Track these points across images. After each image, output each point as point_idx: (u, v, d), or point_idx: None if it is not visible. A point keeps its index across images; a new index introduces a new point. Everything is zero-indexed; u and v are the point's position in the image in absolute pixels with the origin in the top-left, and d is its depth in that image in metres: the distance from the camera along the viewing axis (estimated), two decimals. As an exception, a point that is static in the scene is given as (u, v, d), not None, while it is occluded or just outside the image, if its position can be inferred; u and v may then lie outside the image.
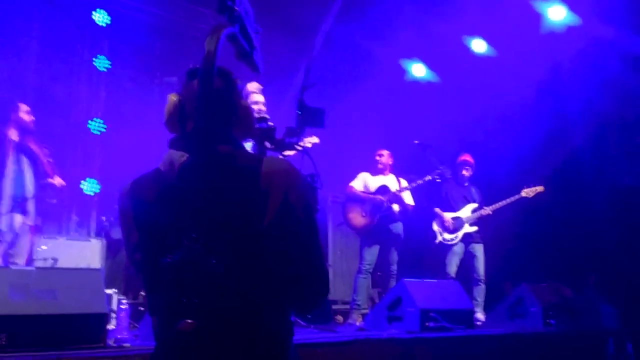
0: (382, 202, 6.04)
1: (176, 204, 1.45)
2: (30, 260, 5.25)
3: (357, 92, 9.08)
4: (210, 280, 1.40)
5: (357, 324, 5.52)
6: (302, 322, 4.99)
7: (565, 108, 7.72)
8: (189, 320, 1.38)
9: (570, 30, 7.28)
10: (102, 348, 2.93)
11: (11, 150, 4.84)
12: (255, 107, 5.07)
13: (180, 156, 1.49)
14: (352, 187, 6.25)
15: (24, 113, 4.99)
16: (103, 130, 7.57)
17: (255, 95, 5.14)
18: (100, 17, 7.60)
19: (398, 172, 6.51)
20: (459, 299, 5.05)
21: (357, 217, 6.14)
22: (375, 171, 6.36)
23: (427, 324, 4.51)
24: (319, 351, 3.42)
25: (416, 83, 8.70)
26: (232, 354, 1.41)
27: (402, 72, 8.75)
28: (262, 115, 5.04)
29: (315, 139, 5.34)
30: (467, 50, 8.04)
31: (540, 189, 6.48)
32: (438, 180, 6.14)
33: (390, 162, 6.35)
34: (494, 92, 7.73)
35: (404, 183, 6.24)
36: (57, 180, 5.17)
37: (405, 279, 4.82)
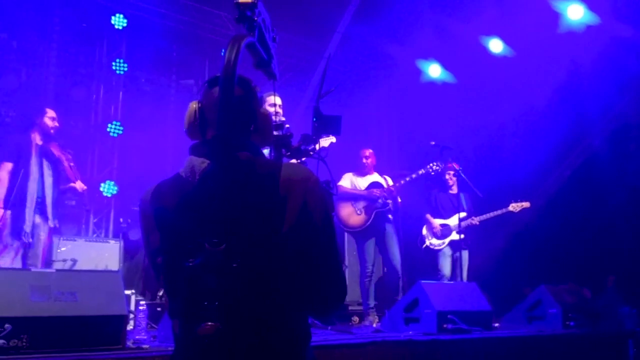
0: (377, 197, 5.96)
1: (198, 209, 1.48)
2: (49, 262, 5.33)
3: (373, 93, 9.08)
4: (231, 284, 1.43)
5: (374, 325, 5.50)
6: (319, 324, 4.99)
7: (584, 108, 7.64)
8: (210, 323, 1.40)
9: (589, 29, 7.20)
10: (121, 350, 2.95)
11: (34, 154, 4.92)
12: (271, 109, 5.09)
13: (201, 162, 1.52)
14: (340, 186, 6.14)
15: (48, 118, 5.08)
16: (120, 132, 7.66)
17: (272, 98, 5.17)
18: (118, 21, 7.68)
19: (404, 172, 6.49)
20: (477, 301, 5.00)
21: (352, 216, 6.00)
22: (361, 172, 6.26)
23: (444, 325, 4.48)
24: (337, 353, 3.42)
25: (432, 84, 8.66)
26: (251, 356, 1.43)
27: (418, 72, 8.72)
28: (279, 118, 5.10)
29: (332, 139, 5.34)
30: (484, 50, 7.99)
31: (526, 204, 6.55)
32: (432, 173, 6.06)
33: (374, 162, 6.30)
34: (511, 93, 7.67)
35: (389, 180, 6.21)
36: (79, 185, 5.26)
37: (422, 281, 4.79)
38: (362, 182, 6.19)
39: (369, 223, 5.94)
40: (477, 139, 8.16)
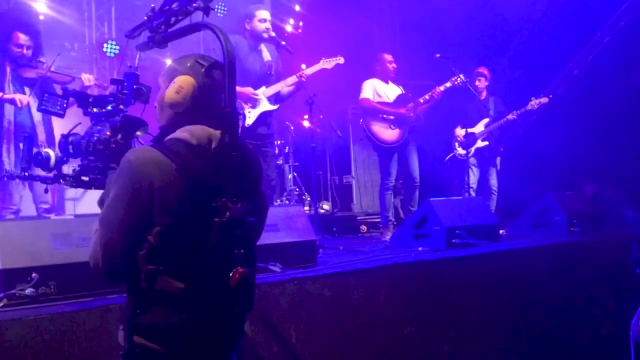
0: (409, 115, 5.92)
1: (217, 173, 1.71)
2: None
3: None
4: (250, 235, 1.77)
5: (387, 239, 5.64)
6: (330, 242, 5.14)
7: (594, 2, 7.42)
8: (241, 268, 1.65)
9: None
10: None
11: (8, 85, 4.66)
12: (262, 25, 4.94)
13: (216, 134, 1.78)
14: (367, 99, 6.02)
15: (14, 45, 4.67)
16: (117, 52, 7.43)
17: (262, 12, 4.99)
18: None
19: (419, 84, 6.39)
20: (484, 214, 5.12)
21: (386, 131, 5.94)
22: (384, 78, 6.14)
23: (453, 240, 4.61)
24: (351, 279, 3.55)
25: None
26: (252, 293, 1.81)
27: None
28: (269, 33, 4.95)
29: (340, 60, 5.22)
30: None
31: (544, 100, 6.51)
32: (457, 83, 5.97)
33: (396, 68, 6.18)
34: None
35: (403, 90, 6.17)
36: (84, 78, 4.84)
37: (431, 199, 4.86)
38: (387, 91, 6.09)
39: (404, 138, 5.92)
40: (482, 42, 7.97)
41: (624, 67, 7.33)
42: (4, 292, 2.72)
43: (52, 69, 4.77)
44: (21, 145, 4.63)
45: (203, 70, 1.85)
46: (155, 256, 1.69)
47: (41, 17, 6.89)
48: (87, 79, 4.81)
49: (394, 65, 6.12)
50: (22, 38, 4.72)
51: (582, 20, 7.60)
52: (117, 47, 7.44)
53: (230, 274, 1.64)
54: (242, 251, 1.66)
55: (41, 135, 4.77)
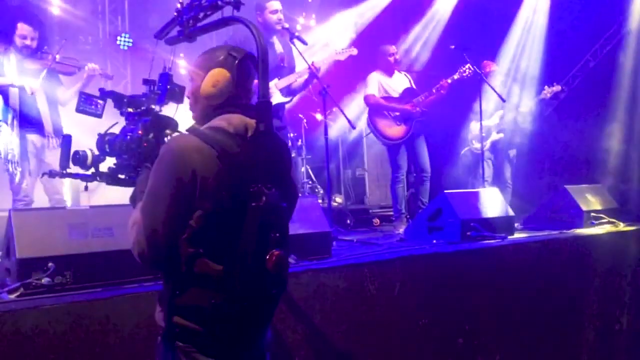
0: (415, 108, 5.88)
1: (254, 160, 1.78)
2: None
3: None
4: (284, 219, 1.85)
5: (400, 231, 5.60)
6: (344, 234, 5.13)
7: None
8: (277, 251, 1.72)
9: None
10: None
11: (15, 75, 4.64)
12: (274, 16, 4.91)
13: (252, 123, 1.83)
14: (372, 95, 5.95)
15: (18, 37, 4.68)
16: (130, 44, 7.46)
17: (273, 3, 4.96)
18: None
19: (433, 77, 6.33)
20: (499, 207, 5.07)
21: (392, 127, 5.90)
22: (388, 70, 6.07)
23: (467, 233, 4.57)
24: (366, 270, 3.54)
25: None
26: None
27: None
28: (282, 25, 4.92)
29: (353, 51, 5.19)
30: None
31: (556, 88, 6.48)
32: (466, 75, 5.89)
33: (400, 59, 6.16)
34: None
35: (411, 79, 6.12)
36: (88, 68, 4.77)
37: (446, 191, 4.82)
38: (392, 84, 6.04)
39: (410, 134, 5.88)
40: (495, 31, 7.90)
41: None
42: (20, 281, 2.74)
43: (57, 59, 4.75)
44: (56, 140, 4.73)
45: (237, 62, 1.90)
46: (196, 239, 1.73)
47: (55, 11, 6.91)
48: (92, 68, 4.78)
49: (395, 57, 6.05)
50: (26, 29, 4.71)
51: (599, 11, 7.51)
52: (130, 40, 7.47)
53: (267, 257, 1.72)
54: (277, 234, 1.74)
55: (47, 127, 4.75)
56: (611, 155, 6.97)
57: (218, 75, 1.88)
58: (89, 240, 2.96)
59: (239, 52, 1.93)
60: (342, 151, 8.37)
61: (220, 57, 1.91)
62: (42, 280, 2.78)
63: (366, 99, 6.01)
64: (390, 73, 6.07)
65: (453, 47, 5.97)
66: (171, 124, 2.10)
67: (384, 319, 3.55)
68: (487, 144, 6.59)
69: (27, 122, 4.67)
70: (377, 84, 6.01)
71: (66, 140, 2.29)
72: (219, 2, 1.92)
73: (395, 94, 5.99)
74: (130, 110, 2.16)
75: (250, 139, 1.81)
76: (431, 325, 3.75)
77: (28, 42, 4.71)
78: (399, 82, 6.07)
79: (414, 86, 6.10)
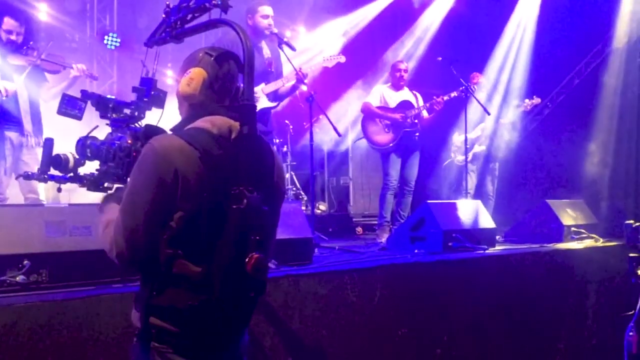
0: (405, 119, 5.94)
1: (236, 162, 1.77)
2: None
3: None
4: (265, 222, 1.82)
5: (383, 241, 5.61)
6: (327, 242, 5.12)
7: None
8: (256, 254, 1.71)
9: None
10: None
11: None
12: (265, 21, 4.90)
13: (236, 125, 1.81)
14: (368, 103, 6.11)
15: (3, 31, 4.58)
16: (117, 44, 7.39)
17: (265, 8, 4.95)
18: None
19: (420, 89, 6.38)
20: (481, 219, 5.09)
21: (380, 134, 6.02)
22: (395, 85, 6.20)
23: (449, 244, 4.59)
24: (346, 277, 3.52)
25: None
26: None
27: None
28: (271, 30, 4.91)
29: (341, 58, 5.20)
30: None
31: (536, 100, 6.65)
32: (464, 95, 6.00)
33: (408, 77, 6.22)
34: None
35: (420, 98, 6.16)
36: (76, 68, 4.68)
37: (429, 201, 4.84)
38: (394, 97, 6.13)
39: (395, 142, 5.95)
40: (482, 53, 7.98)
41: (623, 78, 7.35)
42: (-6, 278, 2.68)
43: (42, 56, 4.64)
44: (35, 139, 4.60)
45: (212, 59, 1.88)
46: (176, 240, 1.72)
47: (42, 17, 6.80)
48: (79, 69, 4.68)
49: (403, 73, 6.14)
50: (12, 24, 4.60)
51: (585, 30, 7.62)
52: (118, 40, 7.41)
53: (247, 259, 1.71)
54: (257, 237, 1.73)
55: (27, 125, 4.63)
56: (590, 173, 7.06)
57: (193, 74, 1.86)
58: (67, 238, 2.91)
59: (216, 50, 1.91)
60: (327, 159, 8.38)
61: (198, 57, 1.90)
62: (17, 278, 2.71)
63: (362, 105, 6.20)
64: (397, 88, 6.19)
65: (440, 59, 6.02)
66: (160, 134, 2.04)
67: (363, 327, 3.54)
68: (470, 155, 6.64)
69: (6, 119, 4.56)
70: (379, 95, 6.16)
71: (48, 144, 2.23)
72: (207, 5, 1.92)
73: (393, 106, 6.10)
74: (114, 115, 2.09)
75: (233, 141, 1.79)
76: (410, 334, 3.75)
77: (13, 37, 4.60)
78: (402, 97, 6.15)
79: (419, 104, 6.13)
